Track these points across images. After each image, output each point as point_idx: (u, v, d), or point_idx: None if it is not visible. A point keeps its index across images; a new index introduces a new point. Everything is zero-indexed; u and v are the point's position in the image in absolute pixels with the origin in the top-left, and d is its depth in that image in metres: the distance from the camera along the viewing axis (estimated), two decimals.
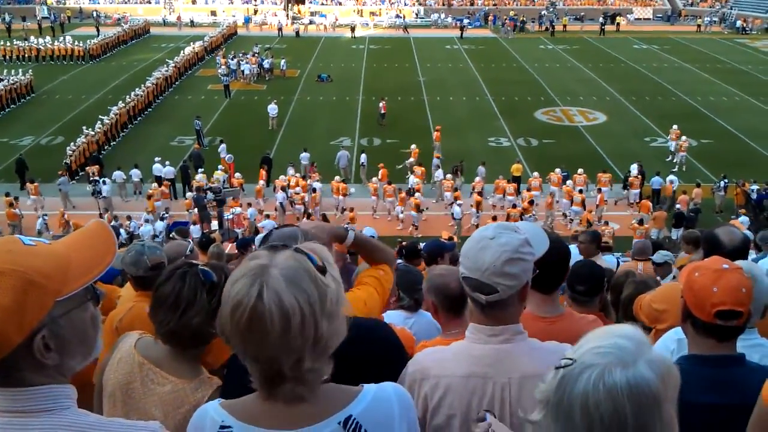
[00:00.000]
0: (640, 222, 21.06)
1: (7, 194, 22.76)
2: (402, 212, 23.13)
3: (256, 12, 64.56)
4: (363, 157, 26.45)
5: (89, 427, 1.61)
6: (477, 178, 24.33)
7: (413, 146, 27.48)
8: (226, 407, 1.78)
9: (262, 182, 24.50)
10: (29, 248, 1.61)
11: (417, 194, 23.20)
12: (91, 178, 24.12)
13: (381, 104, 33.09)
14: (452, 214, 22.42)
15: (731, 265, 2.44)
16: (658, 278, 7.58)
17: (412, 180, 24.24)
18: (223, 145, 27.59)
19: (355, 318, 2.51)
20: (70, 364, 1.66)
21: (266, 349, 1.60)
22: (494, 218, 21.02)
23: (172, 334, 2.56)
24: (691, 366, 2.47)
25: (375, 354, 2.38)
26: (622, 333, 1.49)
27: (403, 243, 11.50)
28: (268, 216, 22.20)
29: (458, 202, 22.46)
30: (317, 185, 23.93)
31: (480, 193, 23.08)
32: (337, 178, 24.49)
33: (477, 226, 21.63)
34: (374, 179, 24.22)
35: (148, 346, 2.61)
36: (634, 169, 25.07)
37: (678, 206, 22.68)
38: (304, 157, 26.50)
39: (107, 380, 2.59)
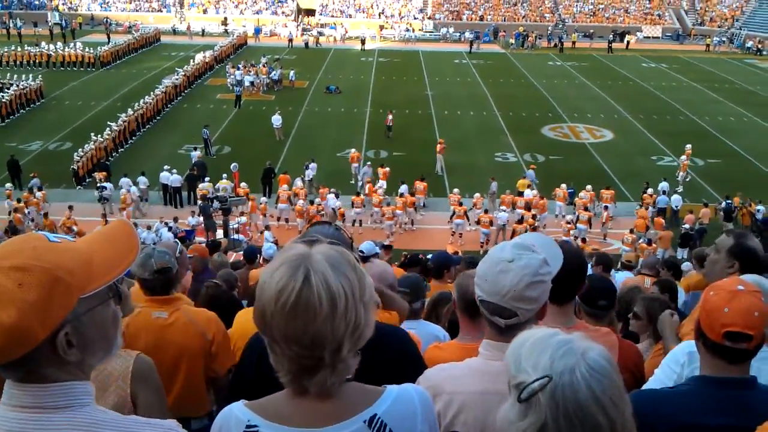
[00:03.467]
0: (649, 242, 21.06)
1: (19, 200, 22.93)
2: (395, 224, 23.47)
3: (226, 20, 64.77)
4: (312, 166, 26.56)
5: (108, 424, 1.62)
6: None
7: (353, 150, 28.18)
8: (251, 407, 1.80)
9: (282, 206, 23.95)
10: (54, 245, 1.63)
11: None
12: (98, 184, 24.19)
13: (388, 117, 33.22)
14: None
15: (747, 287, 2.40)
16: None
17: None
18: (197, 152, 28.10)
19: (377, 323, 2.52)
20: (91, 361, 1.68)
21: (312, 332, 1.62)
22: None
23: None
24: (699, 387, 2.46)
25: (392, 359, 2.38)
26: (549, 332, 1.57)
27: (406, 255, 11.57)
28: (267, 227, 22.21)
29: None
30: (331, 198, 23.77)
31: (486, 210, 23.28)
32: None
33: (487, 241, 22.02)
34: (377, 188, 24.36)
35: None
36: (662, 188, 25.13)
37: (685, 226, 22.63)
38: (312, 167, 26.57)
39: None
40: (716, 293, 2.42)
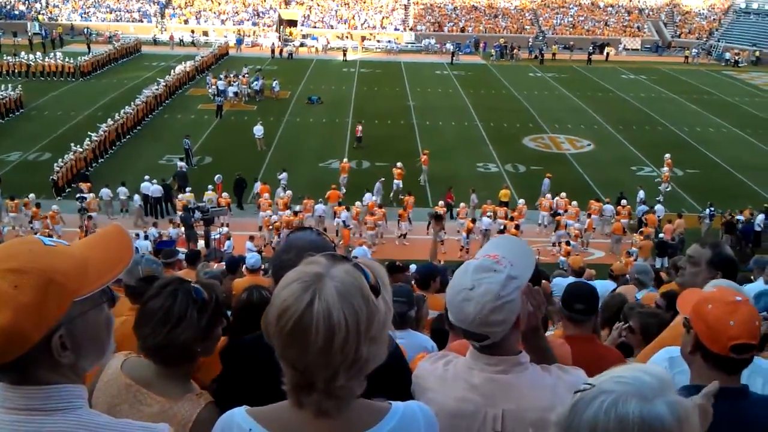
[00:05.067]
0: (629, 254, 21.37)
1: None
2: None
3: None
4: (284, 176, 26.52)
5: (100, 427, 1.64)
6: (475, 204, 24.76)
7: (345, 160, 28.46)
8: (253, 414, 1.77)
9: (265, 213, 23.79)
10: (50, 248, 1.65)
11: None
12: (78, 195, 24.02)
13: (358, 128, 33.55)
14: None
15: (743, 297, 2.42)
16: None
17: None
18: (182, 163, 28.25)
19: None
20: (83, 364, 1.69)
21: (304, 360, 1.58)
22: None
23: (157, 349, 2.52)
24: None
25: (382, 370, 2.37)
26: (648, 369, 1.50)
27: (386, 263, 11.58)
28: (252, 237, 22.11)
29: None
30: (319, 207, 23.95)
31: (473, 220, 23.41)
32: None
33: (467, 251, 22.13)
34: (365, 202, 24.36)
35: (135, 366, 2.56)
36: (641, 197, 25.41)
37: (662, 235, 22.83)
38: (284, 177, 26.49)
39: (96, 402, 2.52)
40: (715, 306, 2.40)
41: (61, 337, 1.59)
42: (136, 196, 24.75)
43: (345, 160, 28.68)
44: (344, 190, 26.31)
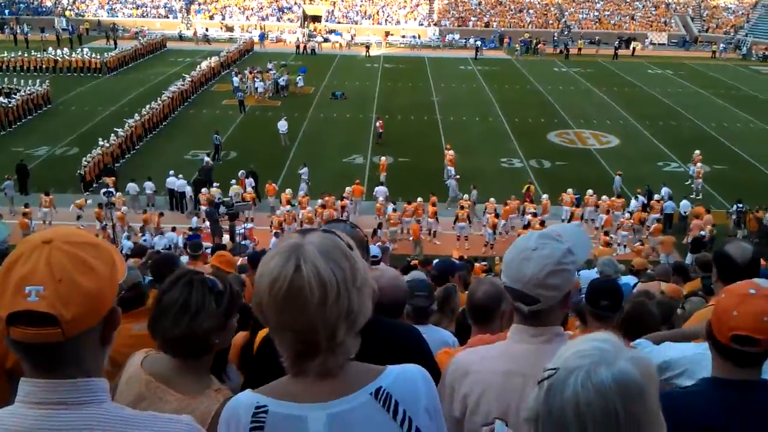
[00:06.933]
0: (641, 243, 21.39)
1: (26, 204, 22.95)
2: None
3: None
4: (304, 170, 26.44)
5: (126, 421, 1.67)
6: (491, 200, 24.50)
7: (383, 158, 28.24)
8: (257, 391, 1.82)
9: (281, 210, 23.80)
10: None
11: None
12: (105, 190, 24.22)
13: (378, 123, 33.62)
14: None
15: (759, 291, 2.33)
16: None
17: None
18: (207, 158, 28.41)
19: (390, 320, 2.56)
20: (105, 357, 1.76)
21: (304, 320, 1.66)
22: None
23: (177, 342, 2.51)
24: (710, 389, 2.43)
25: (402, 355, 2.40)
26: (599, 337, 1.56)
27: (413, 261, 11.55)
28: (276, 234, 22.15)
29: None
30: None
31: (496, 215, 23.33)
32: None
33: (491, 246, 22.16)
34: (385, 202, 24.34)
35: (155, 362, 2.55)
36: (666, 193, 25.23)
37: (703, 232, 22.47)
38: (304, 172, 26.49)
39: (118, 399, 2.49)
40: (727, 296, 2.40)
41: (113, 314, 1.70)
42: (188, 188, 25.13)
43: (383, 158, 28.36)
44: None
